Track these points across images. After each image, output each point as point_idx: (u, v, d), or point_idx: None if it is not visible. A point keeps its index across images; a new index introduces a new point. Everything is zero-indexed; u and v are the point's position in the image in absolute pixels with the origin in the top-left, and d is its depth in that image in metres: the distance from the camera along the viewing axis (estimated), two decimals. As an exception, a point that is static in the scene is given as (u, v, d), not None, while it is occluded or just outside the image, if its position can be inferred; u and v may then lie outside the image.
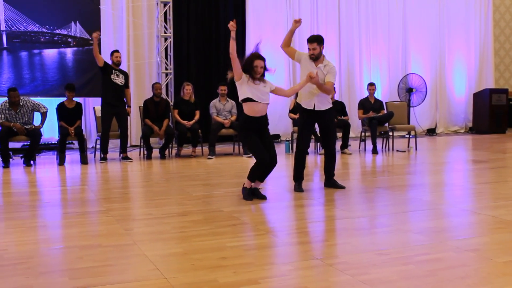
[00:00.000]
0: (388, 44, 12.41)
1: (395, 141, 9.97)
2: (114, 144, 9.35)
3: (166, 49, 10.36)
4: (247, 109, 4.88)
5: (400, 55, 12.53)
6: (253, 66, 4.77)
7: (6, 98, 7.86)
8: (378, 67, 12.32)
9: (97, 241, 3.59)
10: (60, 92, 9.03)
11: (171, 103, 9.45)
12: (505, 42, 13.86)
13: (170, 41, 10.31)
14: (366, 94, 9.88)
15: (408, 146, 9.57)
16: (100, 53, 8.04)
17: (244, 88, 4.83)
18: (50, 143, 9.47)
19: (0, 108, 7.75)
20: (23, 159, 7.86)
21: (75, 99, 8.28)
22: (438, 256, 3.18)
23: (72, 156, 8.68)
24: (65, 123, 7.98)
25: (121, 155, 8.33)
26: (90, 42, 9.48)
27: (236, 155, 8.90)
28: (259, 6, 11.15)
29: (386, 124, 9.39)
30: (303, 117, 5.47)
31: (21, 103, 7.81)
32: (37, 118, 8.11)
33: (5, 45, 9.18)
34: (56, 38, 9.48)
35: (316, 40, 5.33)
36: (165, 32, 10.30)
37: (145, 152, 8.54)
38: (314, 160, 8.10)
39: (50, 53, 9.49)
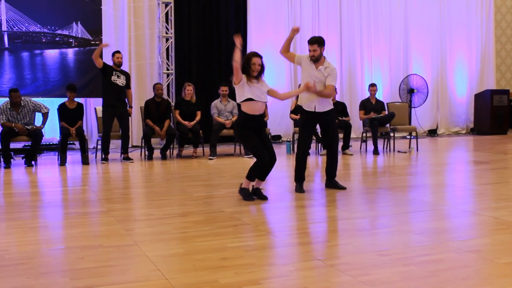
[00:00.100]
0: (390, 44, 12.40)
1: (396, 142, 9.97)
2: (115, 144, 9.36)
3: (167, 49, 10.36)
4: (247, 108, 4.92)
5: (401, 56, 12.51)
6: (251, 64, 4.86)
7: (7, 99, 7.87)
8: (380, 68, 12.31)
9: (98, 242, 3.60)
10: (62, 92, 9.04)
11: (172, 104, 9.44)
12: (506, 43, 13.84)
13: (171, 42, 10.32)
14: (367, 95, 9.88)
15: (409, 147, 9.56)
16: (101, 55, 8.04)
17: (245, 89, 4.88)
18: (51, 143, 9.47)
19: (2, 108, 7.76)
20: (24, 159, 7.86)
21: (77, 99, 8.28)
22: (439, 257, 3.18)
23: (73, 157, 8.68)
24: (66, 124, 7.98)
25: (122, 155, 8.34)
26: (92, 42, 9.49)
27: (237, 155, 8.90)
28: (261, 6, 11.14)
29: (387, 125, 9.38)
30: (304, 118, 5.47)
31: (22, 104, 7.82)
32: (38, 118, 8.12)
33: (6, 45, 9.19)
34: (57, 39, 9.49)
35: (317, 42, 5.33)
36: (166, 33, 10.30)
37: (146, 152, 8.55)
38: (315, 161, 8.10)
39: (52, 54, 9.50)
